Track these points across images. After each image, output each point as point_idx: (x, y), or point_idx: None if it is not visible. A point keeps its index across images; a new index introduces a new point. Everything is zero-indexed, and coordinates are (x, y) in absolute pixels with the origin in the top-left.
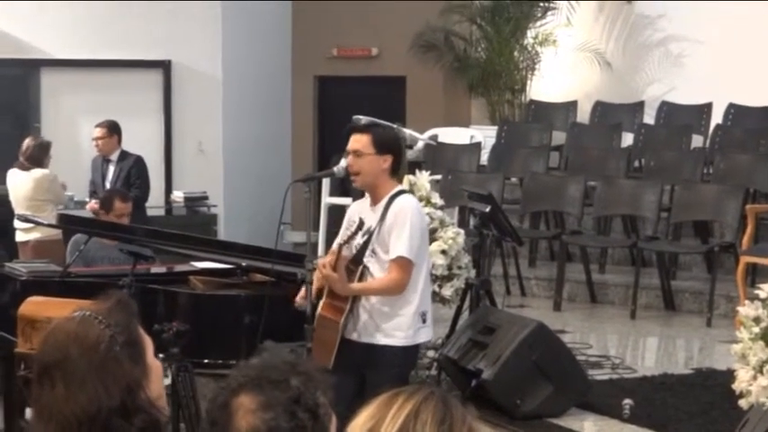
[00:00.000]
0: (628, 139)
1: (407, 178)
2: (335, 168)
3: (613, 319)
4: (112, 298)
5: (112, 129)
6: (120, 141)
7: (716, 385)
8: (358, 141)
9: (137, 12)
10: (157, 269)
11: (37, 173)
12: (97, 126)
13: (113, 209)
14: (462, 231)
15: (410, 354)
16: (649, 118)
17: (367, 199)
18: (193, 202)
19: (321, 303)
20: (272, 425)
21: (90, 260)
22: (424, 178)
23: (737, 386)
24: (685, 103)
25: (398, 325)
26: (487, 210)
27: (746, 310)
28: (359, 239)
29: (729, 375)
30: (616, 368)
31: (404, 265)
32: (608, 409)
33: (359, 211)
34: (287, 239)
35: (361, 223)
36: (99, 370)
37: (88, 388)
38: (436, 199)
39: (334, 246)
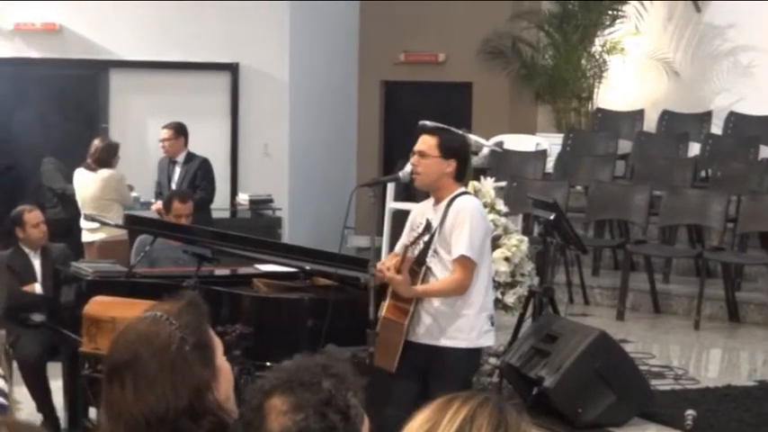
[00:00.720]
0: (694, 148)
1: (472, 184)
2: (400, 173)
3: (677, 330)
4: (183, 299)
5: (179, 131)
6: (186, 143)
7: None
8: (425, 143)
9: (205, 14)
10: (221, 271)
11: (104, 173)
12: (164, 128)
13: (172, 209)
14: (526, 239)
15: (473, 357)
16: (717, 128)
17: (430, 200)
18: (258, 204)
19: (385, 305)
20: (303, 425)
21: (154, 261)
22: (488, 185)
23: None
24: (753, 113)
25: (461, 326)
26: (552, 217)
27: None
28: (422, 240)
29: None
30: (679, 379)
31: (466, 264)
32: (670, 419)
33: (422, 212)
34: (350, 244)
35: (429, 225)
36: (169, 371)
37: (157, 389)
38: (500, 206)
39: (397, 248)
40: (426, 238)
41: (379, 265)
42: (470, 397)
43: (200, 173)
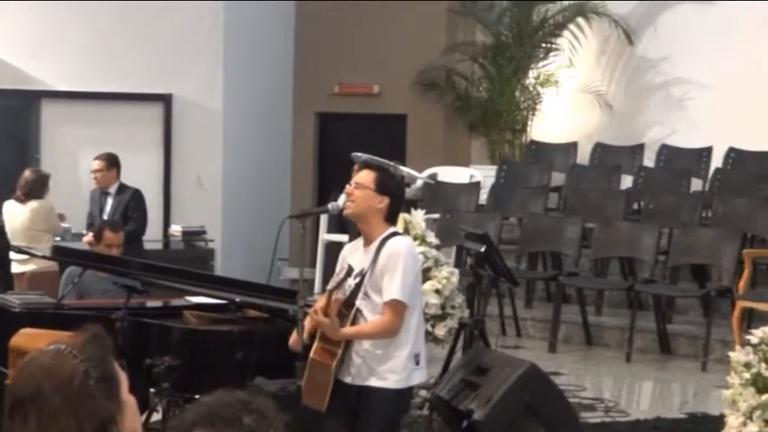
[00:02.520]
0: (627, 181)
1: (402, 216)
2: (330, 205)
3: (608, 362)
4: (88, 332)
5: (111, 162)
6: (118, 174)
7: (708, 430)
8: (362, 177)
9: (138, 44)
10: (151, 303)
11: (33, 204)
12: (96, 159)
13: (103, 239)
14: (456, 271)
15: (403, 396)
16: (649, 161)
17: (360, 240)
18: (191, 236)
19: (314, 347)
20: None
21: (83, 292)
22: (419, 217)
23: None
24: (685, 146)
25: (392, 368)
26: (483, 250)
27: (737, 355)
28: (351, 282)
29: (722, 421)
30: (609, 411)
31: (397, 307)
32: None
33: (351, 252)
34: (284, 275)
35: (350, 269)
36: (72, 405)
37: (61, 423)
38: (431, 238)
39: (330, 285)
40: (351, 279)
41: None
42: None
43: (133, 204)
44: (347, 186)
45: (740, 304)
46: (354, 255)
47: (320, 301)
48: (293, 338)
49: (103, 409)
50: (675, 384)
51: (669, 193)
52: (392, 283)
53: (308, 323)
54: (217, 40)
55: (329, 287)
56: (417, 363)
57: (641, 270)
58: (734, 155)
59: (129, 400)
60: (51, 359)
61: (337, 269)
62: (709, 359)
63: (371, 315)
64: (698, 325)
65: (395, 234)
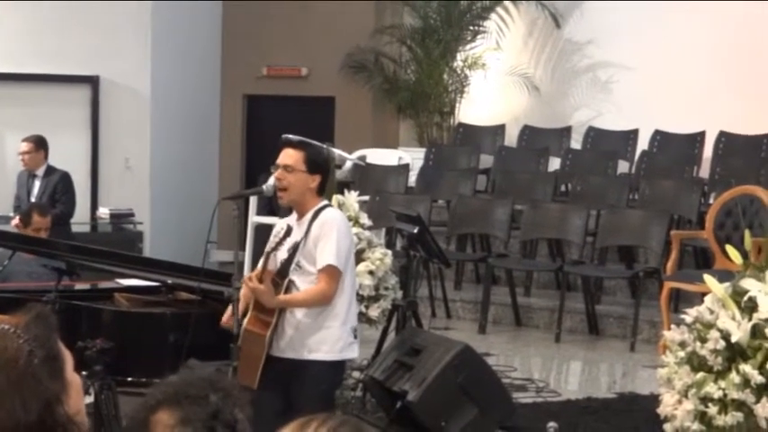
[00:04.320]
0: (555, 163)
1: (336, 198)
2: (264, 186)
3: (538, 343)
4: (32, 312)
5: (39, 144)
6: (46, 157)
7: (639, 410)
8: (290, 157)
9: (65, 26)
10: (82, 286)
11: None
12: (24, 141)
13: (31, 222)
14: (390, 252)
15: (337, 369)
16: (576, 143)
17: (293, 216)
18: (119, 219)
19: (247, 317)
20: None
21: (8, 275)
22: (352, 198)
23: (662, 410)
24: (612, 128)
25: (324, 338)
26: (415, 231)
27: (672, 334)
28: (283, 253)
29: (653, 400)
30: (540, 391)
31: (332, 273)
32: None
33: (285, 226)
34: (213, 258)
35: (290, 229)
36: (17, 385)
37: (6, 403)
38: (364, 219)
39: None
40: (285, 251)
41: (245, 277)
42: (329, 418)
43: (61, 186)
44: (273, 170)
45: (668, 285)
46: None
47: (256, 270)
48: (226, 315)
49: (49, 390)
50: (604, 364)
51: (596, 175)
52: (326, 250)
53: (242, 299)
54: (145, 22)
55: (267, 249)
56: (355, 336)
57: (570, 251)
58: (659, 137)
59: (75, 379)
60: None
61: (267, 247)
62: (637, 339)
63: (304, 286)
64: (626, 306)
65: (327, 206)
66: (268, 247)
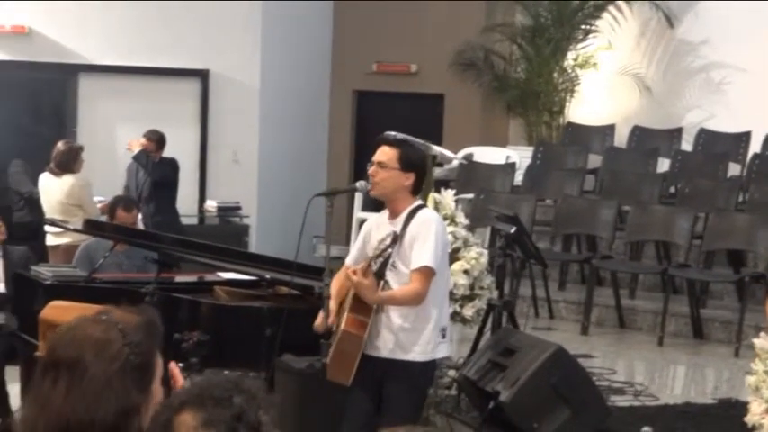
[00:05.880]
0: (664, 164)
1: (432, 196)
2: (358, 184)
3: (641, 346)
4: (144, 315)
5: (160, 143)
6: (161, 155)
7: (738, 416)
8: (385, 154)
9: (177, 19)
10: (182, 278)
11: (68, 179)
12: (146, 136)
13: (115, 217)
14: (485, 252)
15: (429, 369)
16: (687, 144)
17: (384, 213)
18: (226, 212)
19: (344, 318)
20: None
21: (100, 267)
22: (449, 197)
23: (749, 419)
24: (723, 131)
25: (418, 340)
26: (512, 231)
27: (762, 342)
28: (378, 253)
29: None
30: (638, 395)
31: (427, 274)
32: None
33: (378, 225)
34: (319, 253)
35: (396, 236)
36: (105, 385)
37: (87, 398)
38: (461, 218)
39: (348, 260)
40: (391, 250)
41: (348, 270)
42: (412, 429)
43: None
44: (369, 166)
45: None
46: (380, 228)
47: (359, 265)
48: (319, 319)
49: (132, 399)
50: (708, 369)
51: (706, 178)
52: (423, 251)
53: (333, 293)
54: (255, 17)
55: (371, 255)
56: (443, 336)
57: (676, 254)
58: None
59: (158, 393)
60: (101, 333)
61: (358, 244)
62: (742, 344)
63: (396, 286)
64: (732, 310)
65: (422, 206)
66: (374, 253)
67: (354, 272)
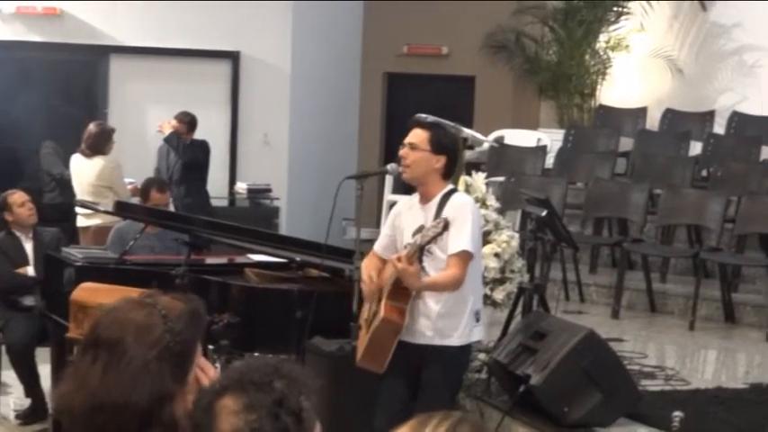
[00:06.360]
0: (696, 148)
1: (463, 179)
2: (389, 167)
3: (672, 330)
4: (190, 305)
5: (191, 125)
6: (192, 137)
7: None
8: (417, 136)
9: (207, 1)
10: (212, 260)
11: (99, 161)
12: (177, 118)
13: (150, 198)
14: (516, 235)
15: (465, 353)
16: (719, 127)
17: (415, 197)
18: (256, 194)
19: (383, 306)
20: (255, 426)
21: (132, 249)
22: (479, 179)
23: None
24: (756, 114)
25: (454, 325)
26: (543, 214)
27: None
28: (409, 239)
29: None
30: (669, 379)
31: (466, 258)
32: (657, 420)
33: (408, 208)
34: (349, 235)
35: (447, 223)
36: (141, 368)
37: (123, 381)
38: (492, 201)
39: (376, 246)
40: (412, 237)
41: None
42: (448, 415)
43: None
44: (401, 148)
45: None
46: (411, 212)
47: (371, 258)
48: None
49: (166, 387)
50: (739, 354)
51: (738, 161)
52: (461, 235)
53: (365, 275)
54: None
55: (420, 242)
56: (477, 320)
57: (708, 238)
58: None
59: (194, 384)
60: (144, 317)
61: (386, 229)
62: None
63: (433, 272)
64: (764, 294)
65: (455, 190)
66: (423, 240)
67: (399, 258)
